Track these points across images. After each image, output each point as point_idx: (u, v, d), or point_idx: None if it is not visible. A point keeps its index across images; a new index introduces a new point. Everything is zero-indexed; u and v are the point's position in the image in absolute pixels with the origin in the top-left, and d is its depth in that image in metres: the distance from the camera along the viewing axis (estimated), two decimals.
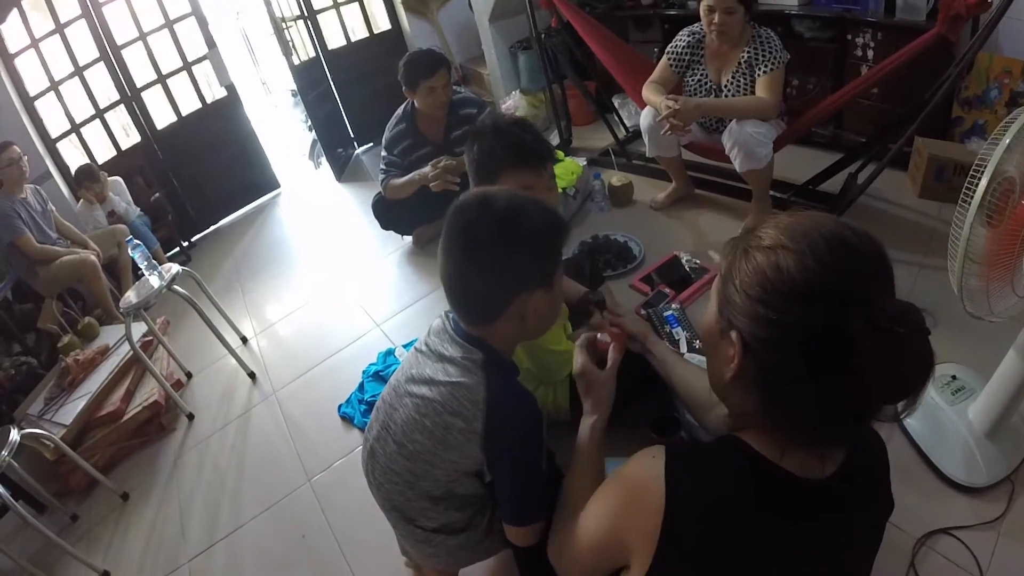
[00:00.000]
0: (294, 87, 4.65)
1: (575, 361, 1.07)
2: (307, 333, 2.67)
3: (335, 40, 4.26)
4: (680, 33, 2.24)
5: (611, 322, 1.30)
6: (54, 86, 3.57)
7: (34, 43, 3.46)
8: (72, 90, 3.64)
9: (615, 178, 2.75)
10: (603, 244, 2.41)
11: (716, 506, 0.68)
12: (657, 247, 2.36)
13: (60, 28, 3.50)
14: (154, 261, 2.44)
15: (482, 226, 0.96)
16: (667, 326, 1.88)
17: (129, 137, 3.95)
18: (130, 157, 3.87)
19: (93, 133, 3.80)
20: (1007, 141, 0.98)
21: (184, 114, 3.98)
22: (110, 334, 2.80)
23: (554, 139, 3.26)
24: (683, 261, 2.21)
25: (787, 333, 0.63)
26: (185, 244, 4.01)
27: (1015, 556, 1.20)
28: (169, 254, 3.84)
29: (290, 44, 3.82)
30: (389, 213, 2.83)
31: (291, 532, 1.76)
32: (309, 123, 4.52)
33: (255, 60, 7.50)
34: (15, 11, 3.38)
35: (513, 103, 3.80)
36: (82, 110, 3.70)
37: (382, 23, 4.41)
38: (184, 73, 3.92)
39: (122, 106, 3.79)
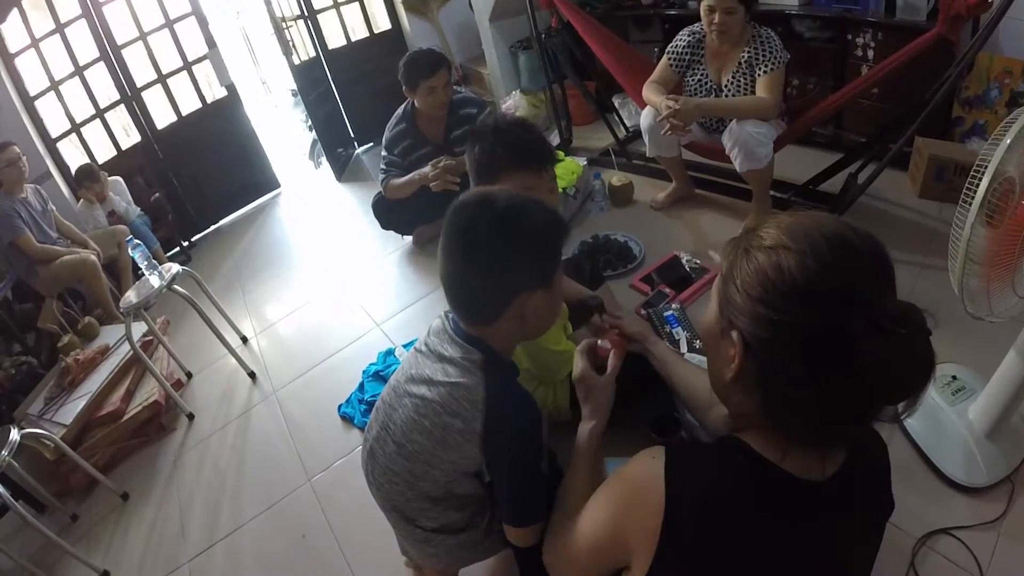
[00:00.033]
0: (294, 87, 4.66)
1: (575, 366, 1.08)
2: (307, 333, 2.67)
3: (335, 40, 4.26)
4: (680, 33, 2.24)
5: (611, 324, 1.30)
6: (54, 86, 3.56)
7: (34, 43, 3.46)
8: (72, 90, 3.64)
9: (615, 178, 2.75)
10: (603, 244, 2.41)
11: (716, 506, 0.68)
12: (657, 247, 2.36)
13: (60, 28, 3.50)
14: (154, 261, 2.44)
15: (482, 226, 0.96)
16: (667, 326, 1.88)
17: (129, 137, 3.95)
18: (130, 157, 3.87)
19: (93, 133, 3.80)
20: (1008, 141, 0.98)
21: (184, 114, 3.98)
22: (110, 334, 2.80)
23: (554, 139, 3.26)
24: (683, 261, 2.21)
25: (788, 333, 0.63)
26: (185, 244, 4.01)
27: (1015, 556, 1.20)
28: (169, 254, 3.84)
29: (290, 44, 3.82)
30: (389, 213, 2.83)
31: (291, 532, 1.76)
32: (309, 123, 4.52)
33: (255, 60, 7.50)
34: (15, 11, 3.38)
35: (513, 103, 3.80)
36: (82, 110, 3.70)
37: (382, 23, 4.41)
38: (184, 73, 3.92)
39: (122, 106, 3.79)
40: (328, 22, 4.20)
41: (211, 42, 3.87)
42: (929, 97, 1.91)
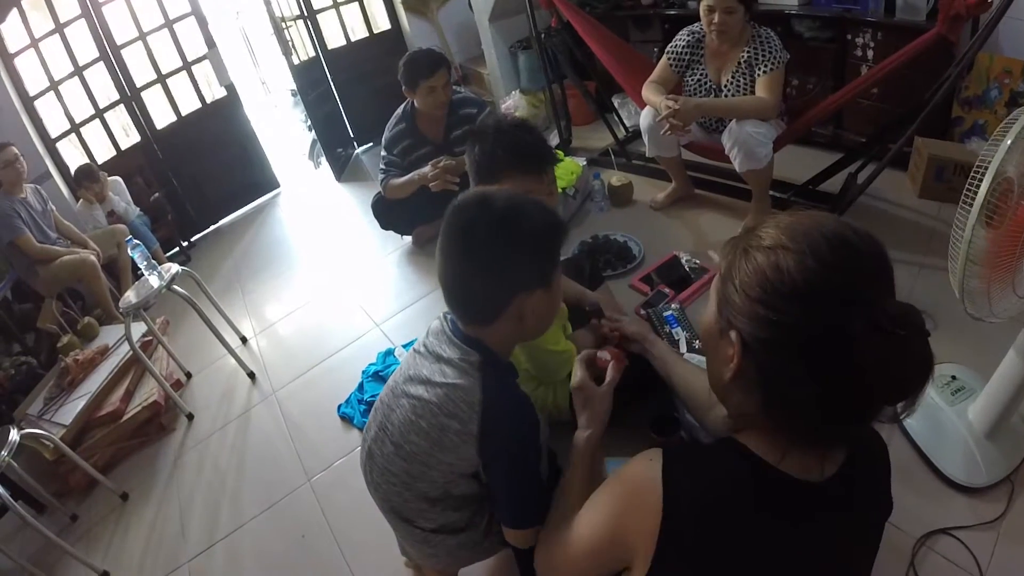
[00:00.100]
0: (294, 87, 4.65)
1: (574, 375, 1.08)
2: (307, 333, 2.67)
3: (335, 40, 4.26)
4: (680, 33, 2.24)
5: (610, 327, 1.30)
6: (54, 86, 3.56)
7: (34, 43, 3.46)
8: (72, 90, 3.64)
9: (615, 178, 2.75)
10: (603, 244, 2.41)
11: (715, 506, 0.68)
12: (657, 247, 2.36)
13: (60, 28, 3.50)
14: (154, 261, 2.44)
15: (481, 226, 0.96)
16: (667, 326, 1.88)
17: (129, 137, 3.95)
18: (130, 157, 3.87)
19: (93, 133, 3.79)
20: (1008, 142, 0.97)
21: (184, 114, 3.98)
22: (110, 334, 2.80)
23: (554, 139, 3.26)
24: (683, 261, 2.21)
25: (787, 334, 0.63)
26: (185, 244, 4.01)
27: (1015, 556, 1.20)
28: (169, 254, 3.84)
29: (290, 44, 3.82)
30: (389, 213, 2.83)
31: (291, 532, 1.76)
32: (309, 123, 4.52)
33: (255, 60, 7.50)
34: (15, 11, 3.37)
35: (513, 103, 3.80)
36: (82, 110, 3.70)
37: (382, 23, 4.41)
38: (184, 73, 3.92)
39: (122, 106, 3.79)
40: (328, 22, 4.20)
41: (211, 42, 3.87)
42: (929, 97, 1.91)
